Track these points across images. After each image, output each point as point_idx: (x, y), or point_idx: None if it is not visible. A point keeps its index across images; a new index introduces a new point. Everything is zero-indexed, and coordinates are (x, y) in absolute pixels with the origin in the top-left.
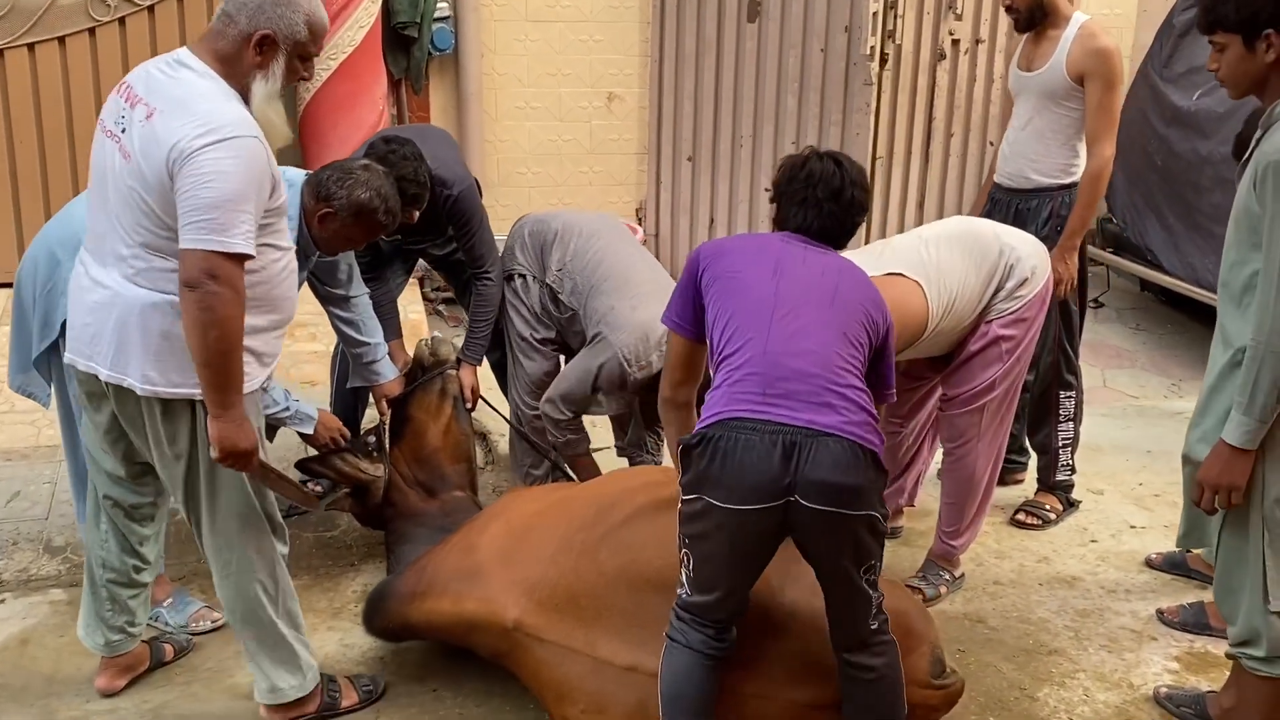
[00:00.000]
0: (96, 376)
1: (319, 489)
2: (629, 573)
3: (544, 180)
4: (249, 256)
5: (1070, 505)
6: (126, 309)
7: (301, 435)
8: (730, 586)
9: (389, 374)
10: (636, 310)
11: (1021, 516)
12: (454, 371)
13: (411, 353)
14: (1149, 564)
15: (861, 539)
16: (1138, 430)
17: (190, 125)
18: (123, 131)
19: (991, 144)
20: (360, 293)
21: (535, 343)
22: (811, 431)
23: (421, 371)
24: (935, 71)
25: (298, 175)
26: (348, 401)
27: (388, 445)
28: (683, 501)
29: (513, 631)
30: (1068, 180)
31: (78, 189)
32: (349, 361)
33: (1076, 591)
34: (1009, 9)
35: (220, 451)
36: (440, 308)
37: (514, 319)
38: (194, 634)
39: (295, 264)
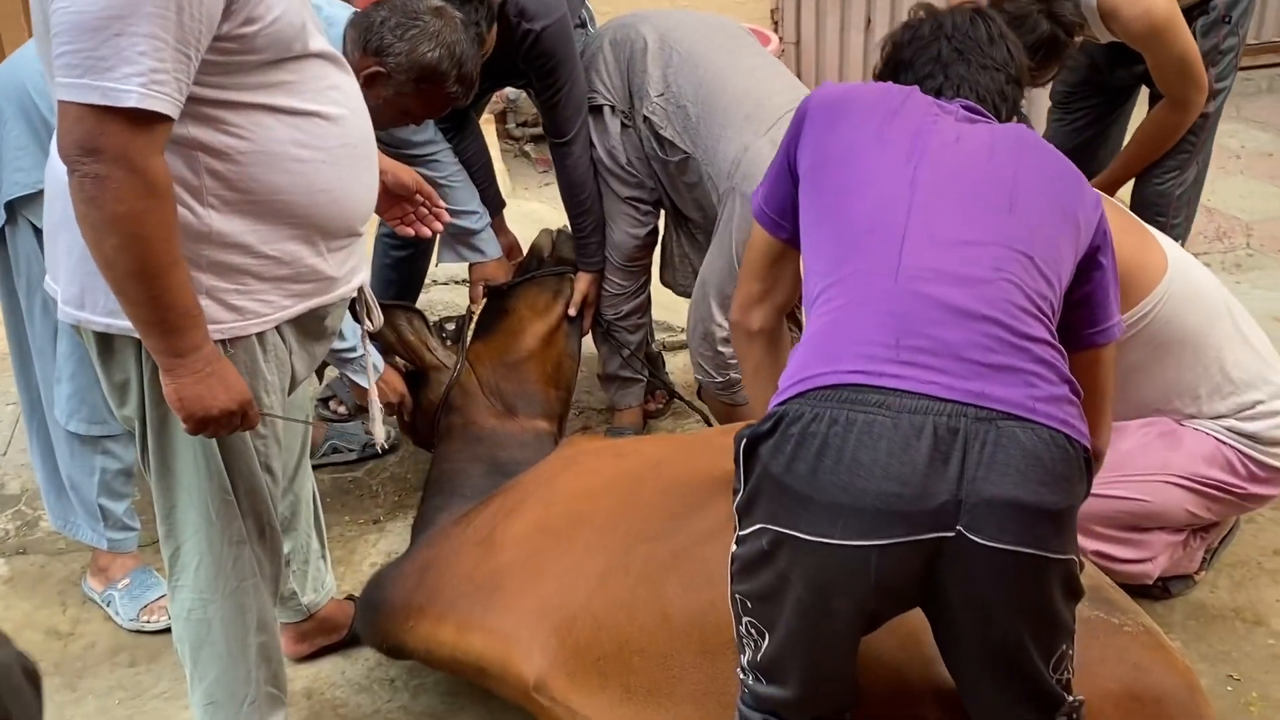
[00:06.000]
0: None
1: (343, 410)
2: (704, 626)
3: None
4: (160, 116)
5: None
6: (52, 189)
7: (353, 385)
8: (820, 675)
9: (493, 251)
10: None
11: None
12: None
13: (516, 235)
14: None
15: (1055, 605)
16: None
17: None
18: None
19: None
20: (436, 145)
21: (624, 200)
22: (985, 412)
23: (538, 265)
24: None
25: (342, 12)
26: (390, 279)
27: (469, 338)
28: (736, 537)
29: (534, 694)
30: None
31: None
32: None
33: None
34: None
35: (186, 421)
36: (528, 148)
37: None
38: (139, 632)
39: (349, 136)
